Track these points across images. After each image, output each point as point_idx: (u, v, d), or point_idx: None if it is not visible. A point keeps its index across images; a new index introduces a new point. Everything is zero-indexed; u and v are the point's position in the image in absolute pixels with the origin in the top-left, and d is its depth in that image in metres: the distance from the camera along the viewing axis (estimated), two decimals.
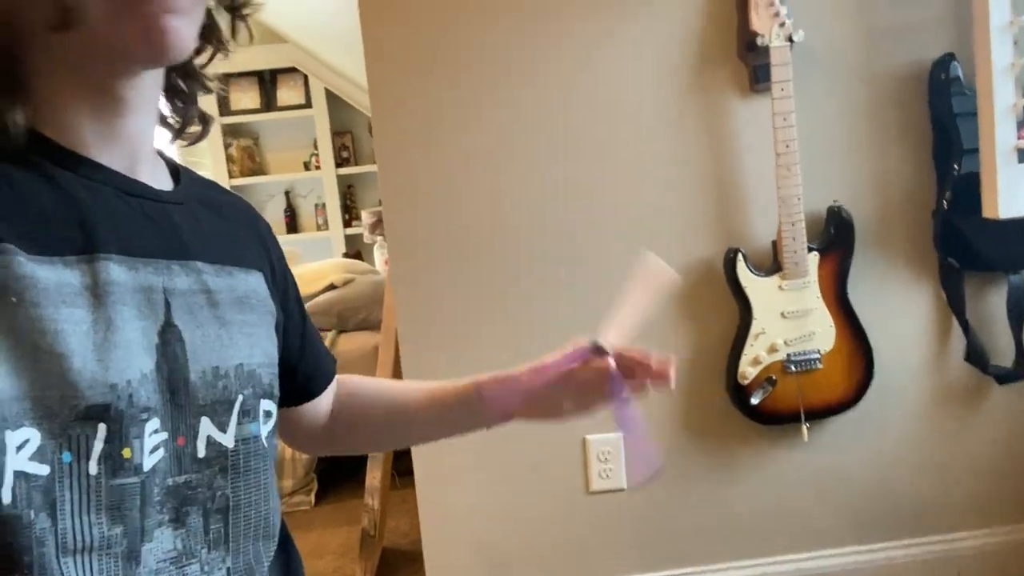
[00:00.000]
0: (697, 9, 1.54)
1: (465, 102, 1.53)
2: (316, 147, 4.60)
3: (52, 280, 0.50)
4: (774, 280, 1.52)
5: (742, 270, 1.52)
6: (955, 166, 1.55)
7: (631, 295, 0.71)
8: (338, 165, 4.60)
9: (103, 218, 0.55)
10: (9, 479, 0.46)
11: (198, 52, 0.64)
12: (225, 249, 0.65)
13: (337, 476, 2.65)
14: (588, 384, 0.72)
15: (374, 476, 1.95)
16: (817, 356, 1.53)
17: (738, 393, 1.55)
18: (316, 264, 3.05)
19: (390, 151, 1.54)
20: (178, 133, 0.68)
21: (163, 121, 0.66)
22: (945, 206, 1.57)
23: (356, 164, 4.66)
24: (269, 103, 4.57)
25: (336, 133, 4.61)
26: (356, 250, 4.57)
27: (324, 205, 4.67)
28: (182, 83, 0.66)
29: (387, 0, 1.50)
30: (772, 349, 1.52)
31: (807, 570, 1.66)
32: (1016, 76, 1.44)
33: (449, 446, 1.59)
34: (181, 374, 0.56)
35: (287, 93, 4.58)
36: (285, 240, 4.54)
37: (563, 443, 1.62)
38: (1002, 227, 1.51)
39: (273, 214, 4.73)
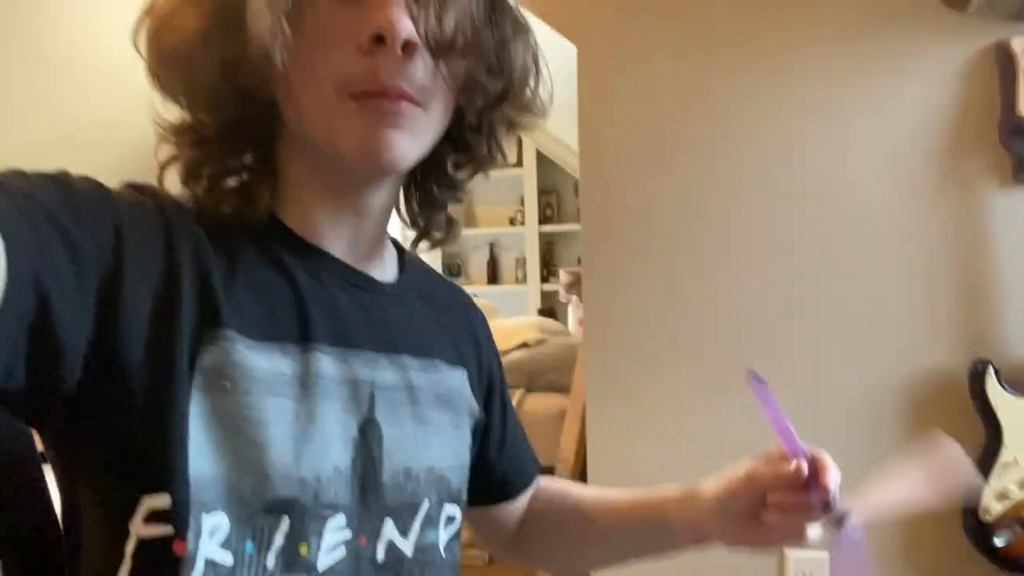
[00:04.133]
0: (952, 91, 1.37)
1: (677, 175, 1.47)
2: (522, 204, 4.74)
3: (266, 369, 0.51)
4: None
5: (993, 387, 1.31)
6: None
7: (909, 472, 0.58)
8: (541, 222, 4.71)
9: (320, 308, 0.56)
10: (200, 567, 0.46)
11: (457, 167, 0.64)
12: (432, 342, 0.64)
13: None
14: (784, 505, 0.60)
15: None
16: None
17: (979, 531, 1.32)
18: (512, 320, 3.10)
19: (595, 214, 1.51)
20: (422, 235, 0.67)
21: (411, 222, 0.67)
22: None
23: (558, 222, 4.74)
24: None
25: (542, 192, 4.72)
26: (550, 306, 4.61)
27: (524, 260, 4.78)
28: (436, 190, 0.66)
29: (604, 75, 1.49)
30: None
31: None
32: None
33: None
34: (375, 472, 0.55)
35: None
36: (484, 291, 4.69)
37: (759, 558, 1.46)
38: None
39: (477, 264, 4.92)
